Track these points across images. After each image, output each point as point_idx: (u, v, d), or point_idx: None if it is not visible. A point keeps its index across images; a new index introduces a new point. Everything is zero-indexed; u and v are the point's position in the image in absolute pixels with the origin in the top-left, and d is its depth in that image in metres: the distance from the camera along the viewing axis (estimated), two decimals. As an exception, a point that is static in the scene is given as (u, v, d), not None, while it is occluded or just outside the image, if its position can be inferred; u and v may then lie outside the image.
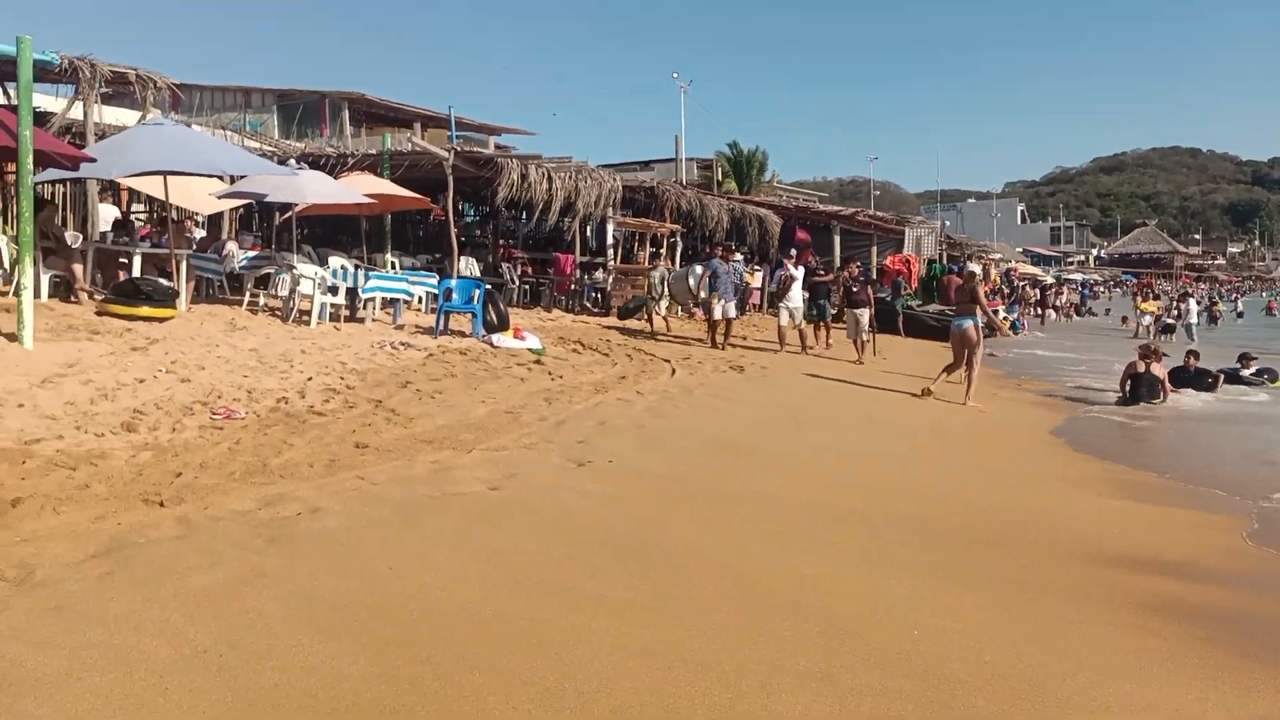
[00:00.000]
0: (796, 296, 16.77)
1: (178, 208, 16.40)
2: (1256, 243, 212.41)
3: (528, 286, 21.93)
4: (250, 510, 4.95)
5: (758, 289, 23.67)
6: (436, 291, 15.25)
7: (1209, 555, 5.59)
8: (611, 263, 22.04)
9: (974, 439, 9.91)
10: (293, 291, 13.85)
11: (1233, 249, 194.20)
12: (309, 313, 13.38)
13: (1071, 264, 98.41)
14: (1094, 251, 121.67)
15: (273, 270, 14.61)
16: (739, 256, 24.42)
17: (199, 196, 15.58)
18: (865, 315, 16.32)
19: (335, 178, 16.68)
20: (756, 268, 24.87)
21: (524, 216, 26.53)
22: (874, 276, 26.59)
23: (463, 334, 14.15)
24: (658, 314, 18.03)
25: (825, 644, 3.78)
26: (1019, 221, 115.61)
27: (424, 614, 3.83)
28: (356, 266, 16.16)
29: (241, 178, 13.82)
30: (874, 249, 30.33)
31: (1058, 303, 42.19)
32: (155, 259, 13.25)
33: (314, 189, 14.23)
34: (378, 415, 7.77)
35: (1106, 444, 10.20)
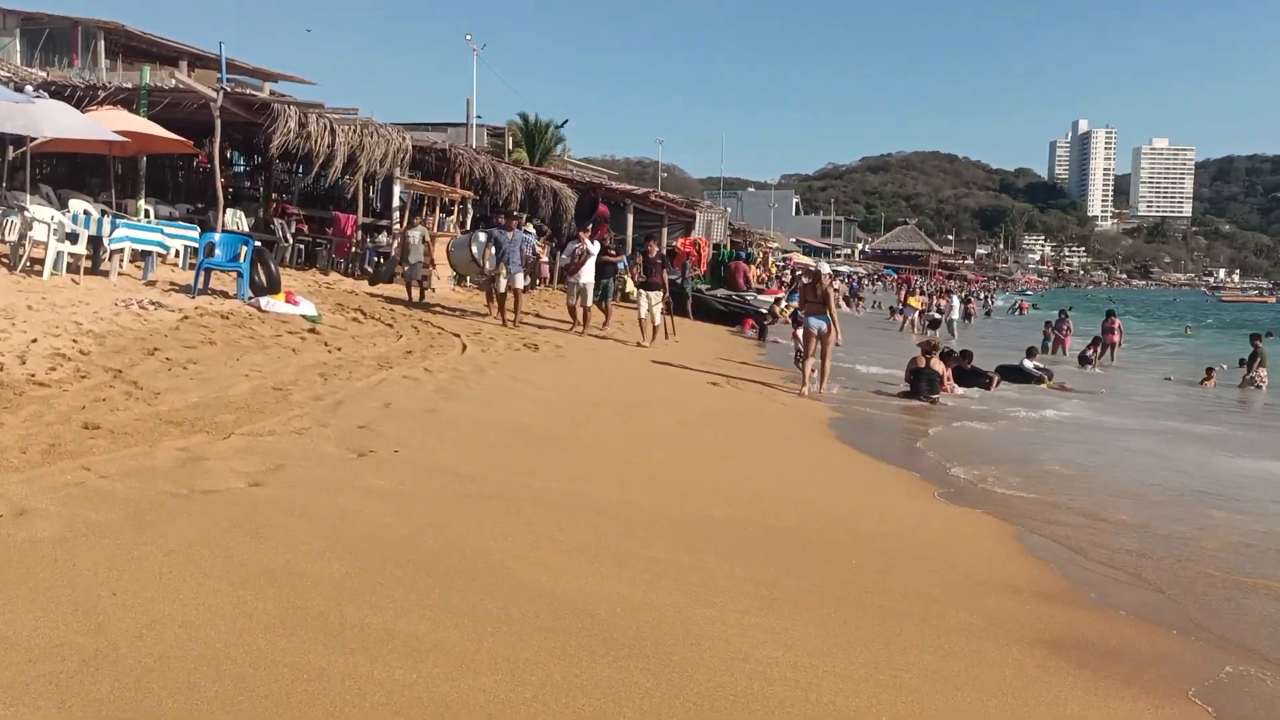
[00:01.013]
0: (589, 273, 15.76)
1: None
2: (1001, 246, 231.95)
3: (303, 246, 20.31)
4: (-75, 514, 3.85)
5: (547, 263, 22.92)
6: (197, 245, 13.66)
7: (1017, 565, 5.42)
8: (396, 226, 20.74)
9: (772, 430, 9.67)
10: (23, 237, 12.02)
11: (980, 250, 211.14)
12: (43, 262, 11.64)
13: (839, 256, 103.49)
14: (859, 245, 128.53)
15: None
16: (530, 227, 23.69)
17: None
18: (658, 297, 15.60)
19: (82, 111, 14.68)
20: (549, 242, 24.14)
21: (300, 170, 24.70)
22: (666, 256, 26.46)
23: (226, 295, 12.74)
24: (424, 283, 16.72)
25: (655, 690, 3.20)
26: (794, 213, 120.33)
27: (157, 662, 2.95)
28: (103, 213, 14.30)
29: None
30: (664, 230, 30.27)
31: (832, 293, 43.86)
32: None
33: (54, 121, 12.39)
34: (116, 388, 6.59)
35: (892, 441, 10.25)
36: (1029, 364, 17.23)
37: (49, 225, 11.70)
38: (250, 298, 12.37)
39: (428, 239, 16.95)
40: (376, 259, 19.09)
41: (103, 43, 33.82)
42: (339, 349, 9.94)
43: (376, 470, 5.51)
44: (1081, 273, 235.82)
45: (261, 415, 6.43)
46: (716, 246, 33.63)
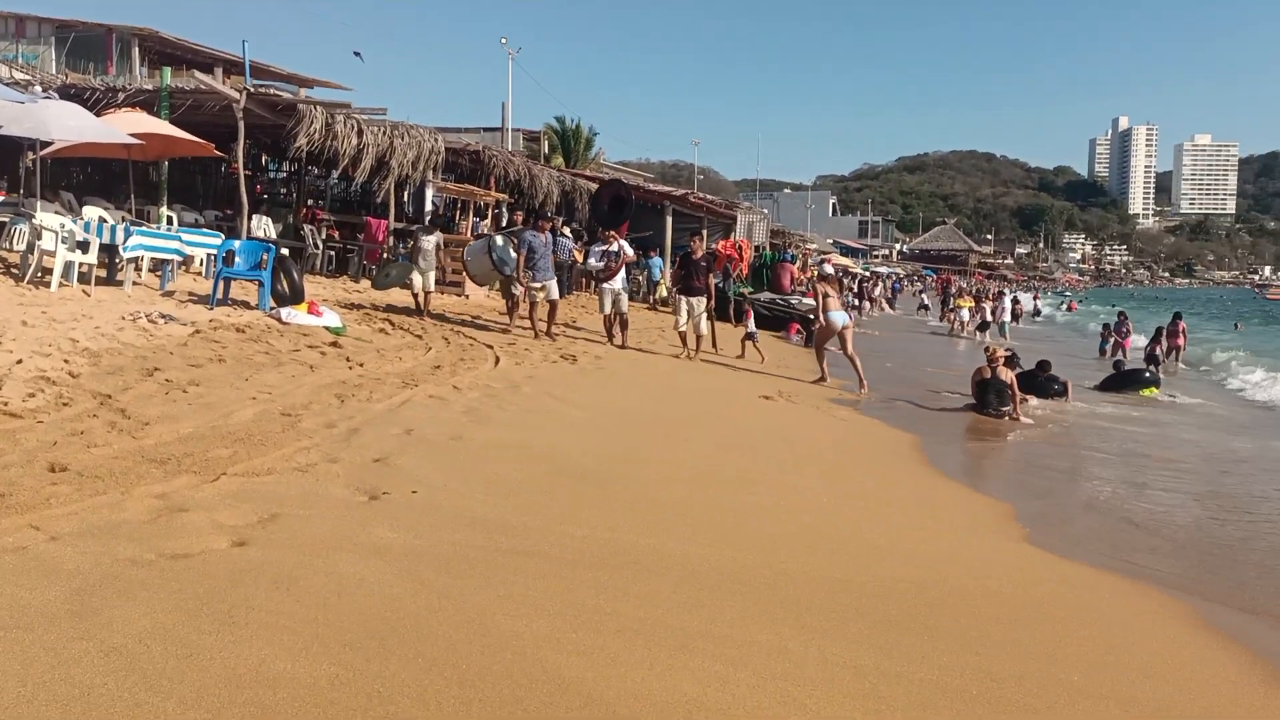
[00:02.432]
0: (622, 279, 14.23)
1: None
2: (1041, 245, 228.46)
3: (334, 253, 19.62)
4: None
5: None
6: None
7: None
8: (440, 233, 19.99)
9: (840, 452, 8.73)
10: (32, 246, 11.36)
11: (1020, 249, 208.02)
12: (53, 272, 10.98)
13: (877, 257, 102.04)
14: (897, 246, 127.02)
15: (7, 220, 12.02)
16: (568, 231, 22.80)
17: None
18: (701, 304, 13.85)
19: (98, 114, 14.04)
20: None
21: (334, 175, 24.06)
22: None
23: (248, 305, 12.02)
24: (428, 289, 14.40)
25: None
26: (830, 214, 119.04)
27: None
28: (126, 220, 13.66)
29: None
30: (704, 232, 29.25)
31: (874, 295, 42.70)
32: None
33: (63, 124, 11.72)
34: (99, 417, 5.78)
35: (982, 464, 9.29)
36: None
37: (58, 233, 11.02)
38: (272, 308, 11.64)
39: (442, 245, 15.23)
40: (386, 261, 18.15)
41: (137, 49, 33.63)
42: (361, 364, 9.13)
43: (389, 518, 4.64)
44: (1123, 271, 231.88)
45: (263, 448, 5.60)
46: (757, 248, 32.64)
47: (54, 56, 33.05)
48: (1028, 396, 12.67)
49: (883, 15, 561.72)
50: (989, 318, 29.21)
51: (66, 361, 7.13)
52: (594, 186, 25.38)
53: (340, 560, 3.98)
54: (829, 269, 14.48)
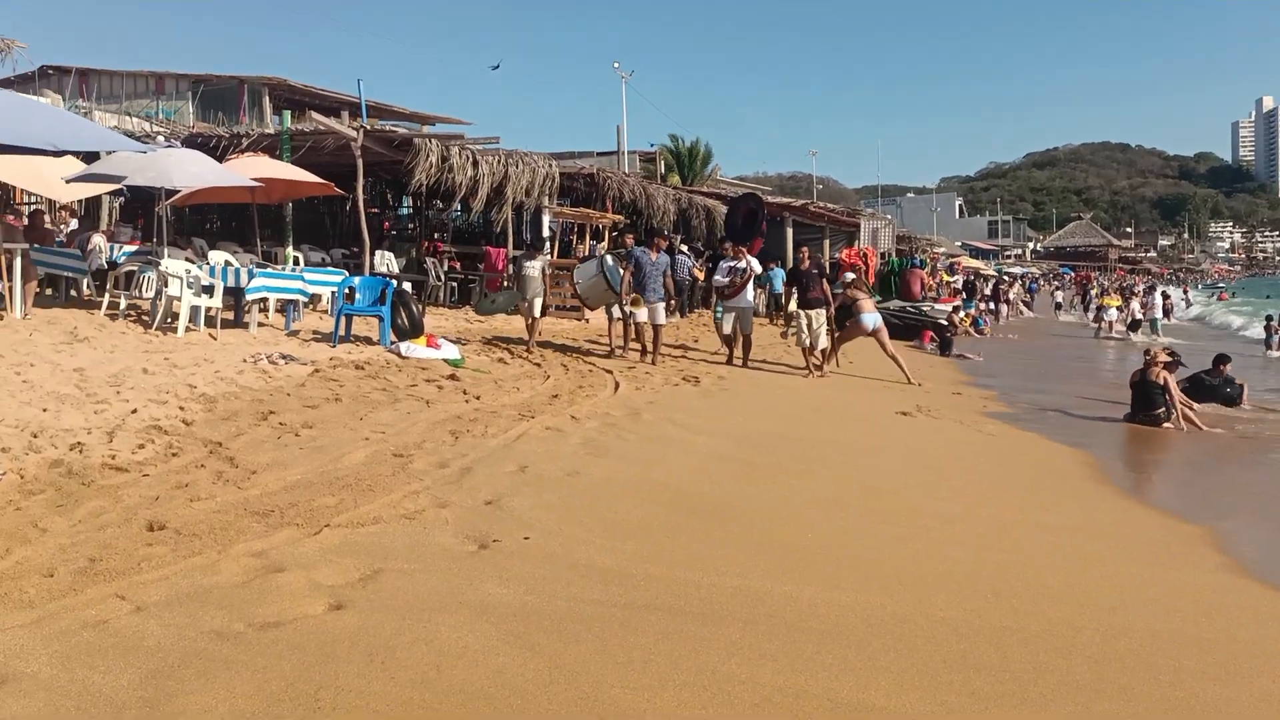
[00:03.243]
0: (749, 295, 13.59)
1: (31, 194, 13.99)
2: (1185, 235, 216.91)
3: (456, 284, 19.70)
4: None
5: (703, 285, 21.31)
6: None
7: None
8: (547, 257, 19.90)
9: (1002, 472, 7.99)
10: (159, 293, 11.57)
11: (1163, 241, 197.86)
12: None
13: (1010, 257, 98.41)
14: (1030, 245, 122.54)
15: (136, 268, 12.31)
16: (685, 248, 22.34)
17: (50, 180, 13.12)
18: (821, 316, 12.91)
19: (222, 160, 14.35)
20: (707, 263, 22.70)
21: (457, 208, 24.31)
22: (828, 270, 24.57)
23: (370, 341, 11.98)
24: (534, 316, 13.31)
25: None
26: (957, 216, 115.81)
27: None
28: (255, 263, 13.89)
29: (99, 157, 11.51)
30: (826, 242, 28.50)
31: (1009, 297, 40.74)
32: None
33: (185, 171, 11.90)
34: (207, 467, 5.61)
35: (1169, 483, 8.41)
36: None
37: (183, 279, 11.19)
38: (392, 343, 11.57)
39: (548, 270, 13.96)
40: (487, 287, 17.91)
41: (267, 98, 35.01)
42: (477, 397, 8.87)
43: (498, 571, 4.26)
44: (1277, 259, 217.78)
45: (371, 493, 5.31)
46: (883, 255, 31.62)
47: (191, 110, 34.77)
48: (1191, 403, 11.45)
49: (1000, 9, 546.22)
50: (1139, 315, 27.35)
51: (182, 409, 7.05)
52: (712, 203, 24.96)
53: (443, 624, 3.59)
54: (850, 275, 14.57)
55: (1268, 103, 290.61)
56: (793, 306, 14.91)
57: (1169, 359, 11.58)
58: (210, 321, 11.58)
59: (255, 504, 4.97)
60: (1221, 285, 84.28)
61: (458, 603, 3.85)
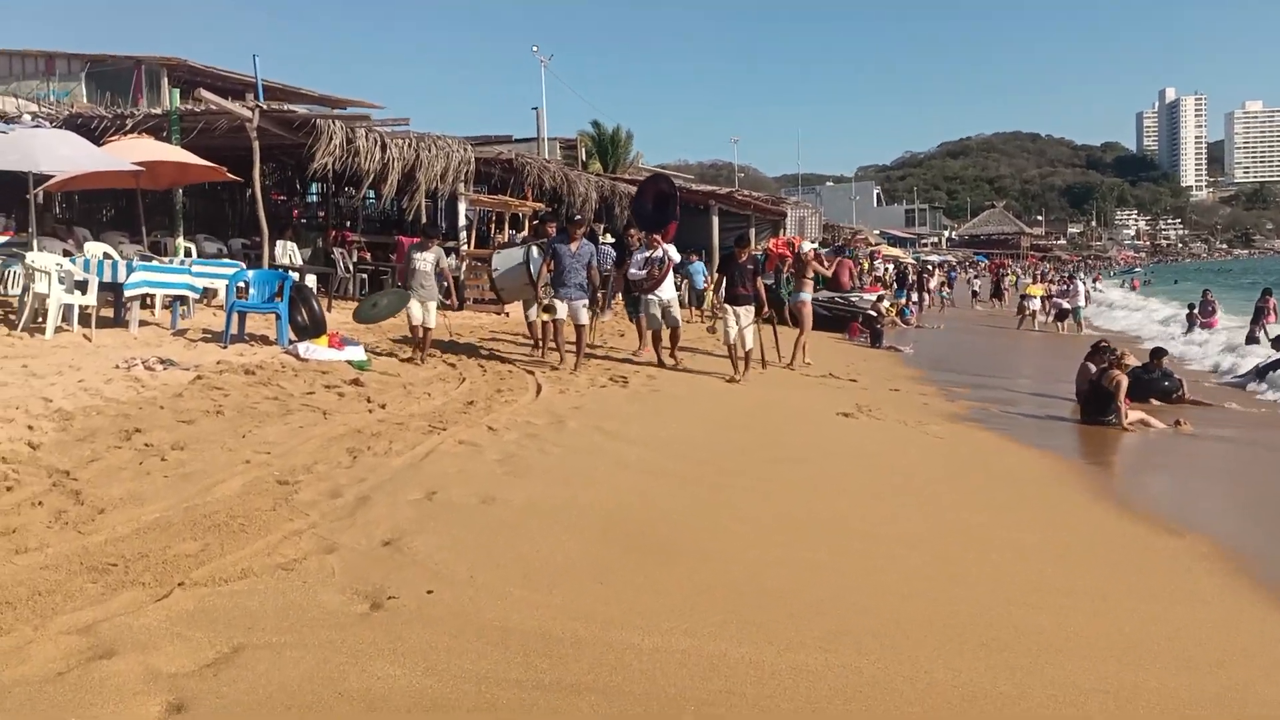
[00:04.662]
0: (670, 288, 12.32)
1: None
2: (1093, 223, 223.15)
3: (365, 276, 18.59)
4: None
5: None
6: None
7: None
8: (464, 247, 18.93)
9: (954, 482, 7.39)
10: (27, 289, 10.39)
11: (1072, 229, 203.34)
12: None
13: (926, 245, 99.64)
14: (946, 232, 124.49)
15: (0, 261, 11.09)
16: (609, 238, 21.39)
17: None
18: (749, 313, 11.59)
19: (101, 142, 13.12)
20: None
21: (370, 194, 23.07)
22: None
23: (267, 340, 10.97)
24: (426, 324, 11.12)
25: None
26: (875, 205, 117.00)
27: None
28: (140, 255, 12.71)
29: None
30: (752, 231, 27.90)
31: (930, 287, 40.73)
32: None
33: (53, 154, 10.74)
34: (45, 504, 4.66)
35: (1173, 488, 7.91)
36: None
37: (52, 274, 10.03)
38: (291, 342, 10.57)
39: (444, 263, 11.48)
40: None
41: (165, 79, 33.13)
42: (383, 406, 7.97)
43: (393, 641, 3.44)
44: (1180, 245, 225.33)
45: (243, 535, 4.43)
46: (790, 245, 31.16)
47: (84, 93, 32.79)
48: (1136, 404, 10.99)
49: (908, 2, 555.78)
50: (1064, 304, 27.05)
51: (30, 428, 6.04)
52: (634, 189, 24.10)
53: (312, 733, 2.77)
54: (807, 246, 16.17)
55: (1170, 94, 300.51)
56: (716, 299, 13.95)
57: (1134, 364, 11.04)
58: (85, 321, 10.45)
59: (96, 555, 4.06)
60: (1137, 271, 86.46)
61: (336, 694, 3.03)
